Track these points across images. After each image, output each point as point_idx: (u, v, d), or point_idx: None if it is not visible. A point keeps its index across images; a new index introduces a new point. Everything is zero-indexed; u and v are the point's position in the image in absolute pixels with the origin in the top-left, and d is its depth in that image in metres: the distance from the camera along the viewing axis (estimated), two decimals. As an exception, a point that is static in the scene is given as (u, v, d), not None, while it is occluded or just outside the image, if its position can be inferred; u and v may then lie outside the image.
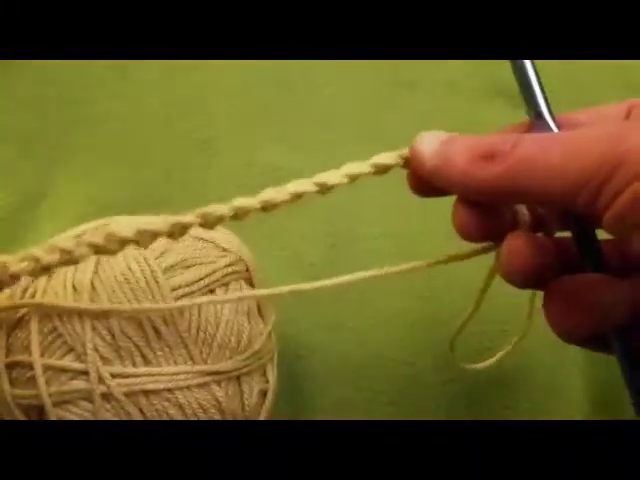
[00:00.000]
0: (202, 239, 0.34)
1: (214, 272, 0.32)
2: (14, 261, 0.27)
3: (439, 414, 0.40)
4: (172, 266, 0.32)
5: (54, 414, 0.30)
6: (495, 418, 0.39)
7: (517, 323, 0.36)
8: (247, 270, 0.35)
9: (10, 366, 0.31)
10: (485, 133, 0.31)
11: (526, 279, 0.27)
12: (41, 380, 0.30)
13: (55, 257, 0.26)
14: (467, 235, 0.27)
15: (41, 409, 0.30)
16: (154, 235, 0.27)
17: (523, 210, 0.28)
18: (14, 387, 0.31)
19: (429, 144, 0.27)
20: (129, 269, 0.31)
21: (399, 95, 0.52)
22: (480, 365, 0.38)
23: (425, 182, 0.27)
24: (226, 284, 0.33)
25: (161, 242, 0.33)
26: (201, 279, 0.32)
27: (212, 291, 0.32)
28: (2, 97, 0.50)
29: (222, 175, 0.48)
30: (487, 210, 0.27)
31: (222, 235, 0.35)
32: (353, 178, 0.28)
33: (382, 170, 0.28)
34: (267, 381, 0.34)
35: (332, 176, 0.28)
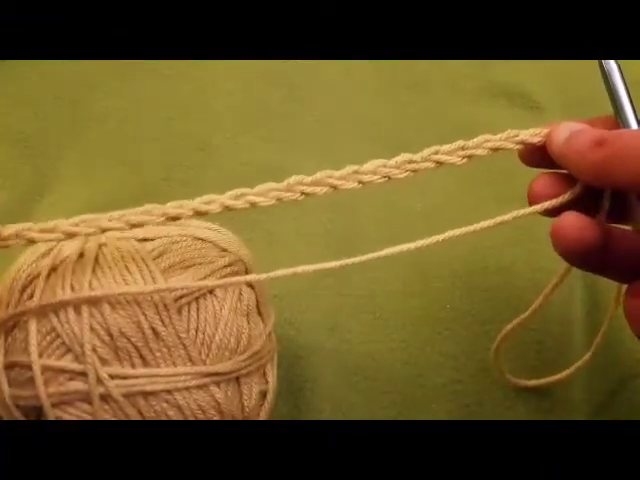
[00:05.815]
0: (201, 239, 0.34)
1: (213, 272, 0.32)
2: None
3: (440, 415, 0.39)
4: (171, 266, 0.32)
5: (53, 415, 0.30)
6: (496, 419, 0.39)
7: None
8: (246, 270, 0.34)
9: (9, 367, 0.31)
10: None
11: (574, 251, 0.29)
12: (39, 381, 0.30)
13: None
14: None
15: (40, 410, 0.30)
16: None
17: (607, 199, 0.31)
18: (13, 388, 0.31)
19: (563, 132, 0.30)
20: (127, 270, 0.31)
21: (399, 95, 0.52)
22: (531, 383, 0.39)
23: (536, 156, 0.32)
24: (225, 284, 0.33)
25: (160, 242, 0.33)
26: (200, 279, 0.32)
27: (211, 291, 0.32)
28: (2, 97, 0.50)
29: (221, 175, 0.48)
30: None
31: (221, 235, 0.35)
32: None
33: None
34: (267, 382, 0.34)
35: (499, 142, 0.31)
